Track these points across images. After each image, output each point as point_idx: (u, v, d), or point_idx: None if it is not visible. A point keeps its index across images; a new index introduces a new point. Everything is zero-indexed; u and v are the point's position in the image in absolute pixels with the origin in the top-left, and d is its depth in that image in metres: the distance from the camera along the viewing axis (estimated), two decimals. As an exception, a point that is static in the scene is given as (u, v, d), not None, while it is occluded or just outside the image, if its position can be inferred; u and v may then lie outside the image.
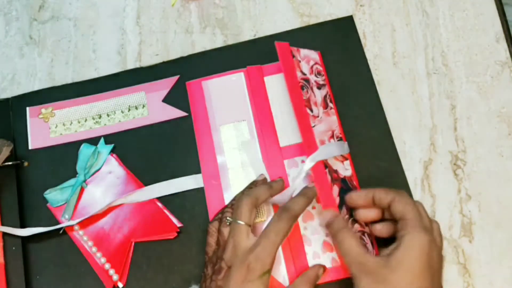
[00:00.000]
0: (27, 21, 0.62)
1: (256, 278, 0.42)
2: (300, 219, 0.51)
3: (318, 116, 0.52)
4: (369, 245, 0.48)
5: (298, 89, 0.51)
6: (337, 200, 0.49)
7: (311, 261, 0.49)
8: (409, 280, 0.40)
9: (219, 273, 0.44)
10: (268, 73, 0.56)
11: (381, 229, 0.47)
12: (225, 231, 0.46)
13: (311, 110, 0.52)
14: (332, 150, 0.51)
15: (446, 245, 0.50)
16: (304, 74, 0.54)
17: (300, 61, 0.54)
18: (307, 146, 0.49)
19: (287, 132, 0.54)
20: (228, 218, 0.47)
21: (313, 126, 0.51)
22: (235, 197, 0.50)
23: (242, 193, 0.49)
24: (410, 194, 0.51)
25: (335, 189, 0.49)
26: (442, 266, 0.44)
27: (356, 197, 0.48)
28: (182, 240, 0.52)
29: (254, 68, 0.56)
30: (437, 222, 0.47)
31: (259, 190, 0.48)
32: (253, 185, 0.50)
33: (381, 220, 0.48)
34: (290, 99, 0.51)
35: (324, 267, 0.48)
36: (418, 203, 0.46)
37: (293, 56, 0.54)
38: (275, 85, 0.56)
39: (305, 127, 0.50)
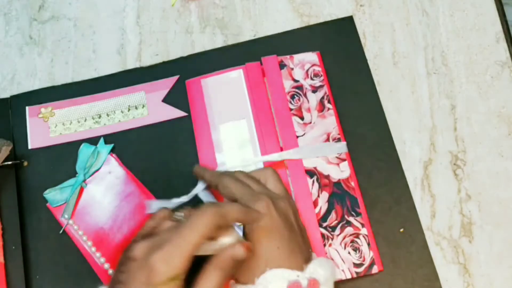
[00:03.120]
0: (27, 21, 0.63)
1: (159, 283, 0.35)
2: None
3: (310, 122, 0.53)
4: (364, 247, 0.48)
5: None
6: (326, 206, 0.50)
7: None
8: (264, 251, 0.41)
9: (124, 264, 0.37)
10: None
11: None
12: (166, 223, 0.41)
13: (302, 118, 0.53)
14: (314, 151, 0.51)
15: (446, 245, 0.50)
16: (297, 81, 0.54)
17: (292, 69, 0.55)
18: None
19: None
20: (179, 214, 0.42)
21: (303, 135, 0.53)
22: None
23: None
24: (409, 196, 0.52)
25: (324, 195, 0.51)
26: (287, 217, 0.44)
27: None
28: (182, 240, 0.52)
29: (253, 64, 0.56)
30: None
31: (232, 206, 0.40)
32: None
33: None
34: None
35: (245, 245, 0.39)
36: (236, 175, 0.45)
37: (284, 66, 0.55)
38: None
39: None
